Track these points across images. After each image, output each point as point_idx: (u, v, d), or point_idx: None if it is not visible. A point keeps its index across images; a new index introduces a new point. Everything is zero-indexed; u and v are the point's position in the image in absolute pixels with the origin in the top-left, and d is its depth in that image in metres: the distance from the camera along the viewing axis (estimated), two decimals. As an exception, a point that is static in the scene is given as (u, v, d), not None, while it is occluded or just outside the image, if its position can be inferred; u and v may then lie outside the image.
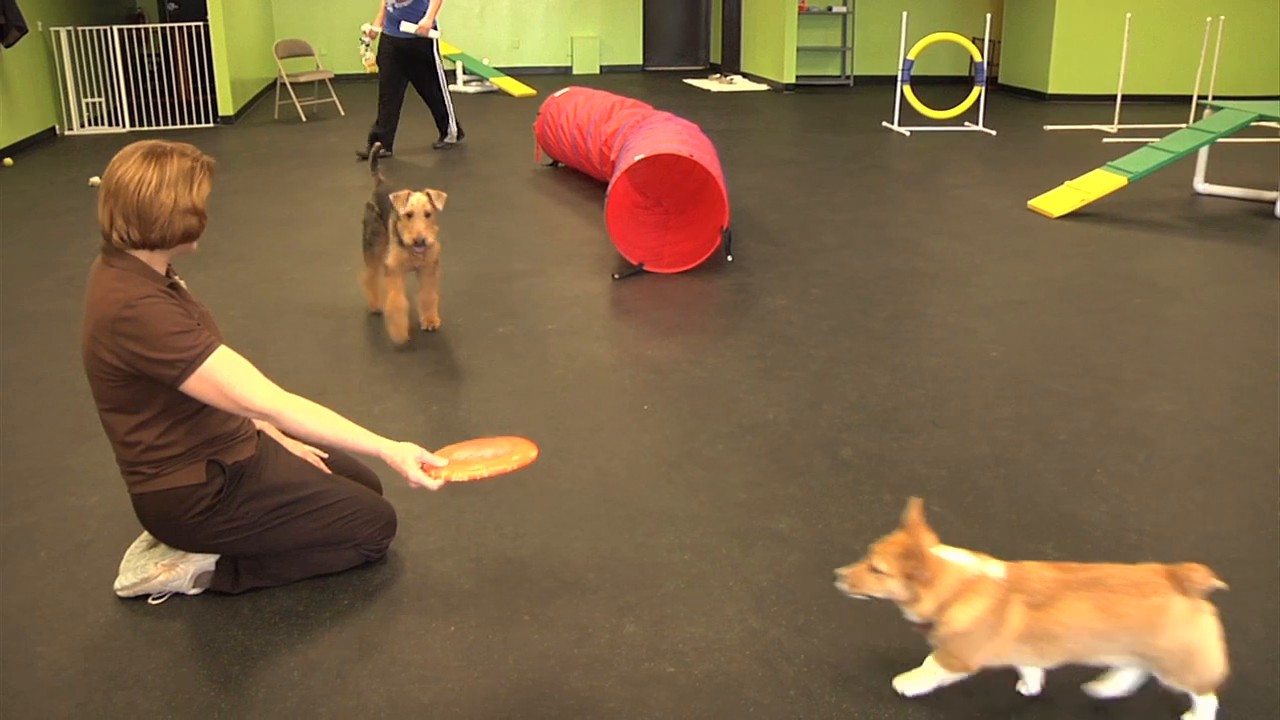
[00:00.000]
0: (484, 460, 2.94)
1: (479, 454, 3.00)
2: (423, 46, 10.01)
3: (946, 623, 2.52)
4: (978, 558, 2.59)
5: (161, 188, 2.83)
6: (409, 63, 10.12)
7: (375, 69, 10.30)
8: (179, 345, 2.78)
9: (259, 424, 3.24)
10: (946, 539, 3.37)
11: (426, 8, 9.84)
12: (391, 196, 4.90)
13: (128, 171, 2.83)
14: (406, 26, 9.77)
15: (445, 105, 10.63)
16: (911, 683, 2.70)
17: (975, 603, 2.50)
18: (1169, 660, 2.45)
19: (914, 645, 2.86)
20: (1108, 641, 2.47)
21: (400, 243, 4.95)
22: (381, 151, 8.62)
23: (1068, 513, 3.56)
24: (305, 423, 2.85)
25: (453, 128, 10.83)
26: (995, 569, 2.55)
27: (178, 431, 2.92)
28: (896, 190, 8.73)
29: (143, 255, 2.90)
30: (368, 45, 10.52)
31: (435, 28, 10.07)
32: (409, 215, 4.84)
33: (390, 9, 9.90)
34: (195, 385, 2.79)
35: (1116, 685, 2.66)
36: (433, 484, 2.86)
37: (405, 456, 2.88)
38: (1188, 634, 2.43)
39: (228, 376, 2.80)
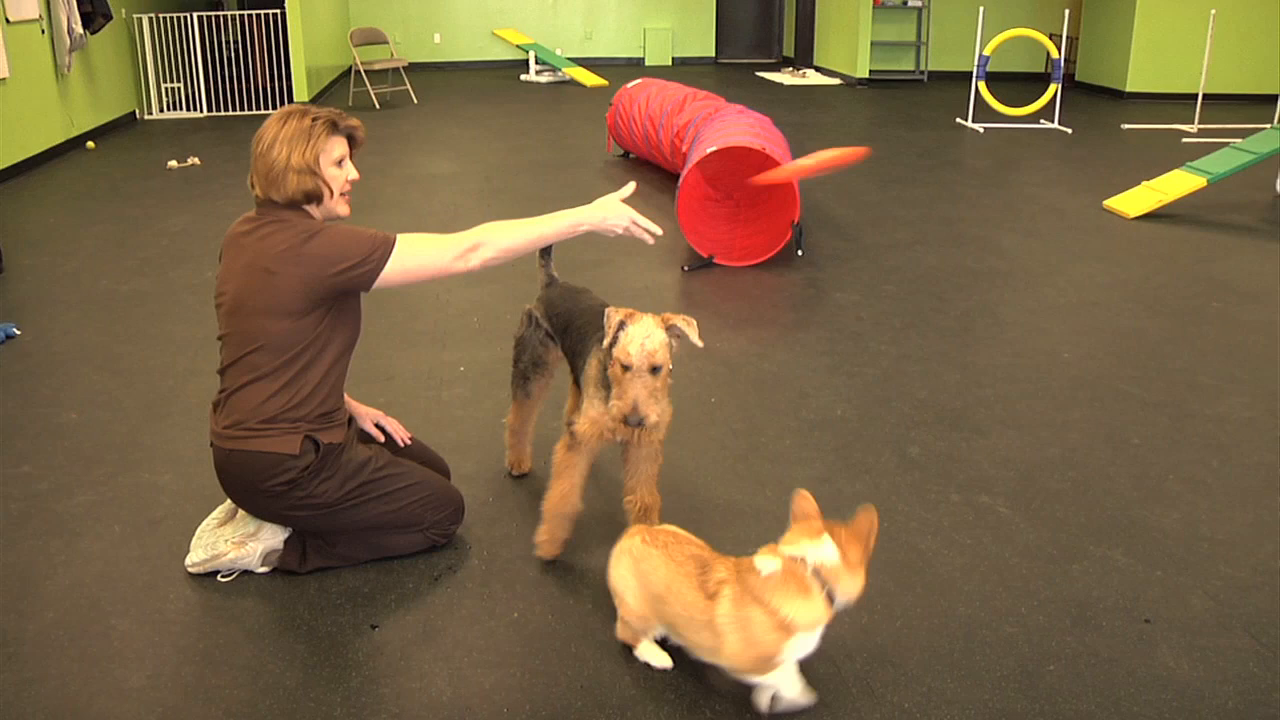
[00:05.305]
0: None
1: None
2: None
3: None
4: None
5: (275, 145, 2.97)
6: None
7: None
8: (367, 237, 2.93)
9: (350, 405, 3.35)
10: (1013, 541, 3.34)
11: None
12: (609, 313, 2.92)
13: (260, 130, 3.01)
14: None
15: None
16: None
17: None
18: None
19: (975, 645, 2.83)
20: None
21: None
22: None
23: (1138, 518, 3.50)
24: (506, 246, 2.99)
25: None
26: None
27: (300, 392, 2.99)
28: (970, 187, 8.63)
29: (311, 210, 3.04)
30: None
31: None
32: (626, 368, 2.86)
33: None
34: (390, 280, 2.94)
35: None
36: (654, 229, 3.07)
37: (617, 213, 3.05)
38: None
39: (410, 256, 2.95)
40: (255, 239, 2.97)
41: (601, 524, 3.41)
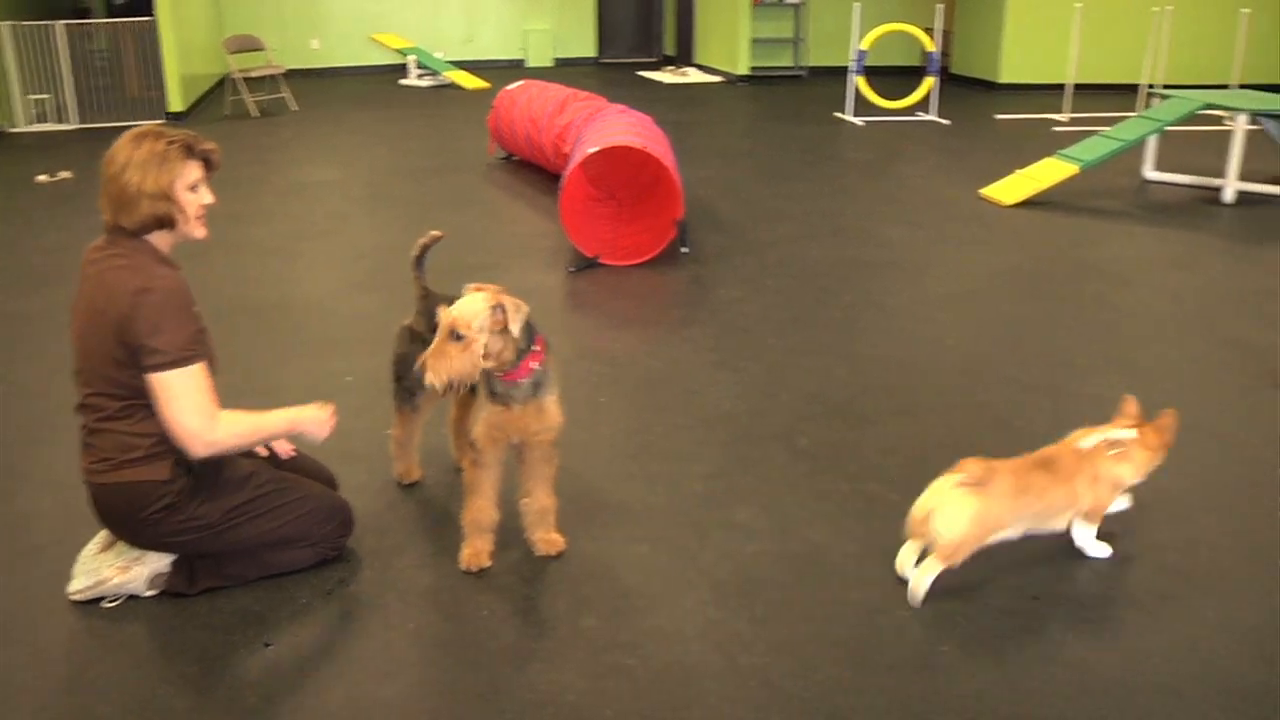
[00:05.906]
0: None
1: None
2: None
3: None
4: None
5: (127, 168, 2.86)
6: None
7: None
8: (186, 336, 2.83)
9: None
10: (901, 525, 3.39)
11: None
12: (465, 287, 3.04)
13: (110, 152, 2.90)
14: None
15: None
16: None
17: None
18: None
19: (870, 631, 2.88)
20: None
21: (493, 394, 3.11)
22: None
23: (1023, 498, 3.59)
24: (236, 444, 2.96)
25: None
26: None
27: (155, 427, 2.89)
28: (851, 180, 8.76)
29: (154, 239, 2.93)
30: None
31: None
32: (435, 331, 2.94)
33: None
34: (158, 382, 2.81)
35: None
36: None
37: (322, 420, 3.11)
38: None
39: (181, 391, 2.83)
40: (99, 270, 2.88)
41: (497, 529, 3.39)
